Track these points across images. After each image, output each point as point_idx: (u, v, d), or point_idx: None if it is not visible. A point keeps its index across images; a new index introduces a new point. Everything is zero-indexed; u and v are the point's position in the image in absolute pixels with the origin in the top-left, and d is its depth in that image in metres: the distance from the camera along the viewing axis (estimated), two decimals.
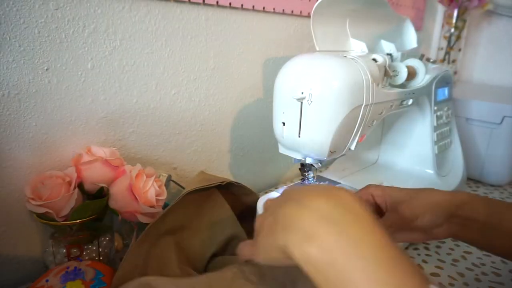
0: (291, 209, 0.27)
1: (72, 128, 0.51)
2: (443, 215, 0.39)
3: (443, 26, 1.12)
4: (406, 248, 0.59)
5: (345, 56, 0.45)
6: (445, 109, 0.69)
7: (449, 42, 1.09)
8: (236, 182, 0.53)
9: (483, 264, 0.56)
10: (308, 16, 0.75)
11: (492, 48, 1.21)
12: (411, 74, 0.57)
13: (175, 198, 0.47)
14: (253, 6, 0.66)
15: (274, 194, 0.57)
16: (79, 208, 0.46)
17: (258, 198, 0.53)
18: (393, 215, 0.41)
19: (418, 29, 1.12)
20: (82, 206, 0.46)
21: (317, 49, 0.48)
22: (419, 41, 0.64)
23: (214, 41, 0.63)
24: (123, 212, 0.48)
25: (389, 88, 0.53)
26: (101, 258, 0.49)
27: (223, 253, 0.51)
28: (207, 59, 0.63)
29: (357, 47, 0.53)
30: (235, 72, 0.68)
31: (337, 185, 0.63)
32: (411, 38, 0.64)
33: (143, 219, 0.48)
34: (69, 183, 0.46)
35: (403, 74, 0.55)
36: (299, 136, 0.46)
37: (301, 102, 0.44)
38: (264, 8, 0.67)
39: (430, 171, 0.66)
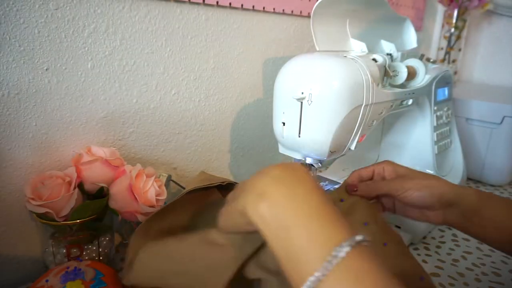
0: (253, 177, 0.31)
1: (72, 128, 0.51)
2: (434, 198, 0.41)
3: (443, 26, 1.13)
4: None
5: (345, 56, 0.45)
6: (445, 109, 0.69)
7: (449, 42, 1.09)
8: (236, 182, 0.53)
9: (483, 264, 0.56)
10: (308, 16, 0.75)
11: (492, 48, 1.21)
12: (411, 74, 0.57)
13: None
14: (253, 6, 0.66)
15: None
16: (79, 208, 0.46)
17: None
18: (391, 184, 0.44)
19: (418, 29, 1.12)
20: (82, 206, 0.46)
21: (317, 49, 0.48)
22: (419, 41, 0.64)
23: (214, 41, 0.63)
24: (123, 212, 0.48)
25: (389, 88, 0.53)
26: (101, 258, 0.49)
27: None
28: (207, 59, 0.63)
29: (357, 47, 0.53)
30: (235, 72, 0.68)
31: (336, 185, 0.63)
32: (411, 38, 0.64)
33: (143, 219, 0.48)
34: (69, 183, 0.46)
35: (403, 74, 0.55)
36: (299, 136, 0.46)
37: (301, 102, 0.44)
38: (264, 8, 0.67)
39: (430, 171, 0.66)
